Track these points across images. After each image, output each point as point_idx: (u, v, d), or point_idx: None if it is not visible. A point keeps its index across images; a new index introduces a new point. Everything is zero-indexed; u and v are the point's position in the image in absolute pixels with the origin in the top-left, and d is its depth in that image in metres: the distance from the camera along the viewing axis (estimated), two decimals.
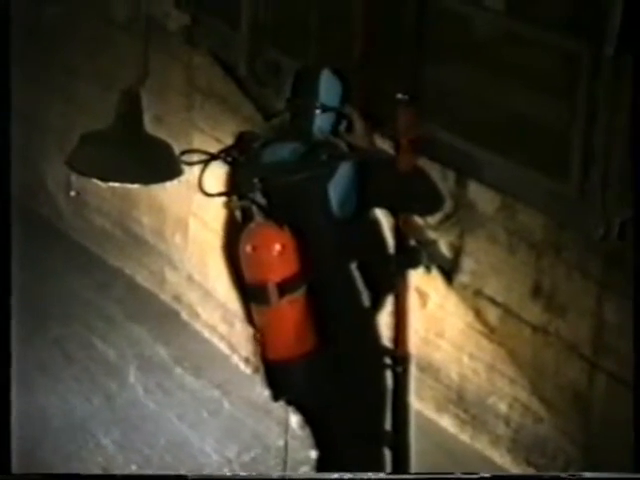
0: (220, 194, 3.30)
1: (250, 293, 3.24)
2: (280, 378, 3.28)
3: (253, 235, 3.20)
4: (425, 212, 3.58)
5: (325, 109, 3.30)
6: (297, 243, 3.18)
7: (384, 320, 3.46)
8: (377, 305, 3.35)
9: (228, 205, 3.28)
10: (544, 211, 3.67)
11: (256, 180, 3.20)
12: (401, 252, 3.40)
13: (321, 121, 3.32)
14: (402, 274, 3.42)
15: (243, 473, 4.02)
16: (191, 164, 3.39)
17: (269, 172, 3.23)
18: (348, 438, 3.37)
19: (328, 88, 3.34)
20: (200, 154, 3.37)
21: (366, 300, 3.31)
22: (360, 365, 3.33)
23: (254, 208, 3.20)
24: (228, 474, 4.02)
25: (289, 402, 3.37)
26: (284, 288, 3.16)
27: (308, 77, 3.36)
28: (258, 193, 3.20)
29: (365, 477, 3.10)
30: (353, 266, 3.28)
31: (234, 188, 3.30)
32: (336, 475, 3.19)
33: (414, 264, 3.45)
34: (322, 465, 3.45)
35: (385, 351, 3.44)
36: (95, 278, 5.09)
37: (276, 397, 3.32)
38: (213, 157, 3.30)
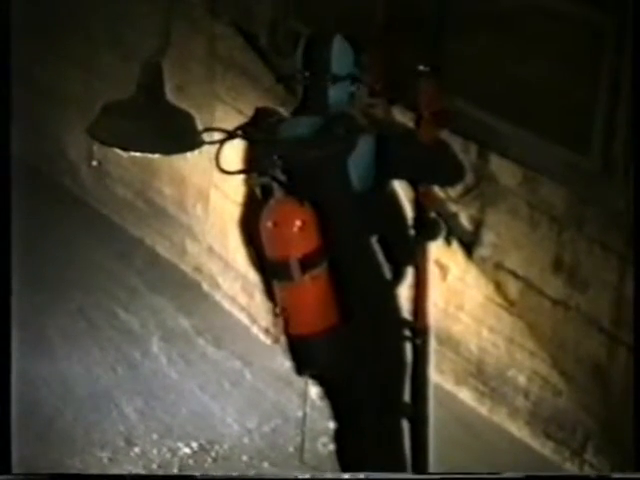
0: (238, 172, 3.29)
1: (272, 269, 3.24)
2: (303, 353, 3.29)
3: (274, 211, 3.20)
4: (446, 182, 3.56)
5: (337, 79, 3.25)
6: (318, 218, 3.18)
7: (404, 293, 3.46)
8: (397, 278, 3.35)
9: (248, 182, 3.28)
10: (566, 185, 3.66)
11: (275, 157, 3.19)
12: (420, 224, 3.39)
13: (337, 91, 3.28)
14: (422, 246, 3.42)
15: (263, 444, 4.04)
16: (211, 143, 3.38)
17: (287, 148, 3.22)
18: (367, 410, 3.38)
19: (341, 56, 3.28)
20: (219, 131, 3.35)
21: (386, 273, 3.31)
22: (380, 338, 3.33)
23: (274, 184, 3.20)
24: (247, 445, 4.04)
25: (313, 376, 3.38)
26: (306, 264, 3.17)
27: (320, 46, 3.30)
28: (278, 170, 3.19)
29: (371, 477, 3.13)
30: (373, 240, 3.28)
31: (252, 165, 3.29)
32: (347, 475, 3.22)
33: (433, 236, 3.44)
34: (340, 436, 3.47)
35: (405, 323, 3.44)
36: (116, 248, 5.10)
37: (300, 371, 3.33)
38: (231, 136, 3.29)
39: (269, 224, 3.19)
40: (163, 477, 3.75)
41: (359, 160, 3.22)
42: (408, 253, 3.38)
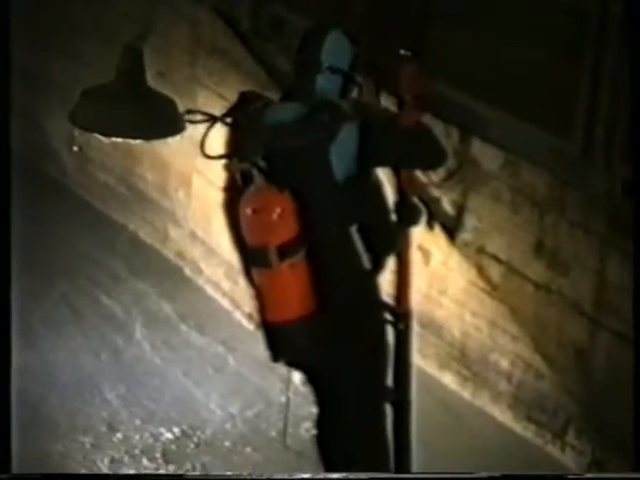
0: (221, 156, 3.27)
1: (251, 256, 3.24)
2: (280, 340, 3.29)
3: (253, 198, 3.19)
4: (428, 167, 3.56)
5: (332, 70, 3.23)
6: (298, 206, 3.17)
7: (387, 277, 3.47)
8: (377, 267, 3.34)
9: (229, 168, 3.26)
10: (548, 169, 3.67)
11: (257, 143, 3.17)
12: (401, 209, 3.39)
13: (327, 83, 3.26)
14: (403, 232, 3.42)
15: (246, 429, 4.05)
16: (194, 122, 3.36)
17: (270, 134, 3.20)
18: (349, 397, 3.38)
19: (336, 49, 3.27)
20: (203, 115, 3.34)
21: (366, 262, 3.31)
22: (360, 326, 3.33)
23: (254, 171, 3.18)
24: (230, 430, 4.05)
25: (289, 363, 3.37)
26: (284, 251, 3.16)
27: (314, 36, 3.30)
28: (258, 156, 3.17)
29: (369, 477, 3.13)
30: (353, 229, 3.27)
31: (235, 150, 3.28)
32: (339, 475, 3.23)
33: (414, 221, 3.43)
34: (322, 422, 3.47)
35: (387, 307, 3.44)
36: (99, 234, 5.08)
37: (276, 358, 3.33)
38: (215, 120, 3.27)
39: (248, 211, 3.18)
40: (153, 476, 3.74)
41: (341, 149, 3.21)
42: (389, 242, 3.37)
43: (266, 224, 3.17)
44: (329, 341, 3.27)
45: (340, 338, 3.29)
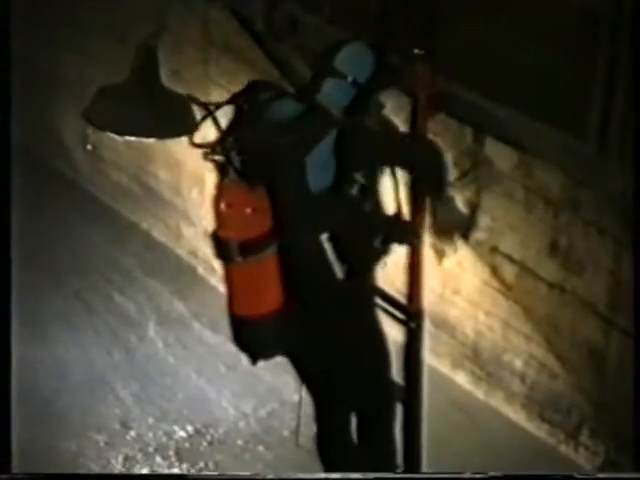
0: (199, 145, 3.20)
1: (215, 247, 3.23)
2: (245, 332, 3.27)
3: (225, 193, 3.17)
4: (426, 184, 3.47)
5: (342, 77, 3.18)
6: (269, 205, 3.14)
7: (399, 275, 3.46)
8: (352, 277, 3.27)
9: (205, 158, 3.23)
10: (562, 168, 3.66)
11: (231, 139, 3.14)
12: (392, 227, 3.32)
13: (336, 90, 3.20)
14: (385, 248, 3.32)
15: (259, 428, 4.05)
16: (203, 105, 3.32)
17: (265, 129, 3.15)
18: (339, 394, 3.37)
19: (354, 60, 3.21)
20: (212, 102, 3.31)
21: (338, 272, 3.24)
22: (336, 326, 3.28)
23: (229, 166, 3.15)
24: (243, 429, 4.05)
25: (253, 356, 3.31)
26: (247, 249, 3.14)
27: (335, 43, 3.26)
28: (233, 151, 3.13)
29: (370, 477, 3.13)
30: (324, 237, 3.22)
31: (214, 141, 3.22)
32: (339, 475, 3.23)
33: (401, 241, 3.36)
34: (321, 413, 3.46)
35: (398, 305, 3.43)
36: (111, 232, 5.09)
37: (243, 350, 3.31)
38: (210, 111, 3.23)
39: (221, 205, 3.17)
40: (155, 476, 3.75)
41: (319, 155, 3.15)
42: (362, 256, 3.29)
43: (234, 220, 3.16)
44: (298, 337, 3.25)
45: (313, 336, 3.26)
